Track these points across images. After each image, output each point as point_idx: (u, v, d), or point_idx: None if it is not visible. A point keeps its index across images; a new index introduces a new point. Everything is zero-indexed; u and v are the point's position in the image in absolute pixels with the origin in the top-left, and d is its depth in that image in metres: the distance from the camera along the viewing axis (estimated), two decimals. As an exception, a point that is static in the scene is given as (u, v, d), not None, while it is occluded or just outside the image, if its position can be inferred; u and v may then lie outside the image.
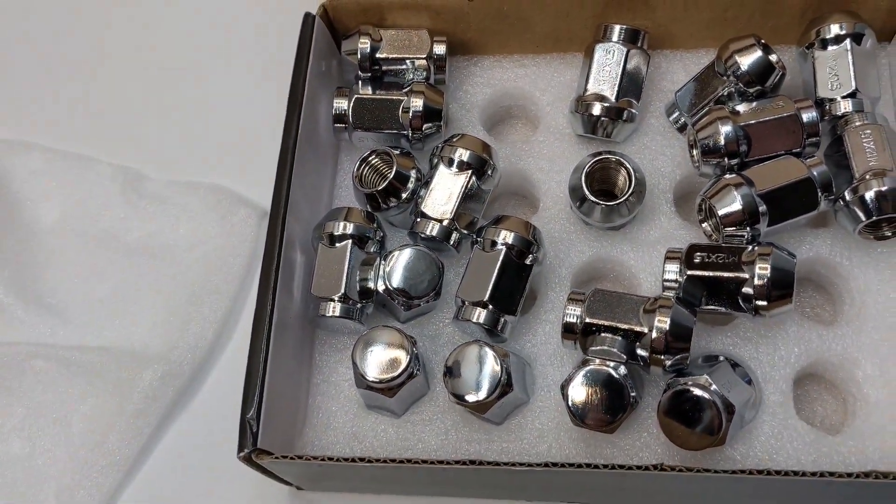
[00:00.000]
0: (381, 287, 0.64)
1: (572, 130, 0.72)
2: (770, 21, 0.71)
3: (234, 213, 0.79)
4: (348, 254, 0.63)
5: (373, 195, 0.67)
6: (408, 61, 0.72)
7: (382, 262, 0.65)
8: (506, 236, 0.62)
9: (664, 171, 0.69)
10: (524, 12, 0.72)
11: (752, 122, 0.64)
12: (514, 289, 0.62)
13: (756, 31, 0.69)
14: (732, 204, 0.61)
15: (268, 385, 0.59)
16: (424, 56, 0.72)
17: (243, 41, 0.88)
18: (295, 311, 0.66)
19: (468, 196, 0.66)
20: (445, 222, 0.65)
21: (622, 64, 0.68)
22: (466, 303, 0.62)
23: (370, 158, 0.69)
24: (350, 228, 0.64)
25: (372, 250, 0.66)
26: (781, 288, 0.58)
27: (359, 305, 0.64)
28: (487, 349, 0.59)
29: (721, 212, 0.61)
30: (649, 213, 0.68)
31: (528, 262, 0.63)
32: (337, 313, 0.64)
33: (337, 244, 0.65)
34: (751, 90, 0.66)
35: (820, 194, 0.62)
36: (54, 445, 0.71)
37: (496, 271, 0.62)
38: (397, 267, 0.64)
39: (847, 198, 0.61)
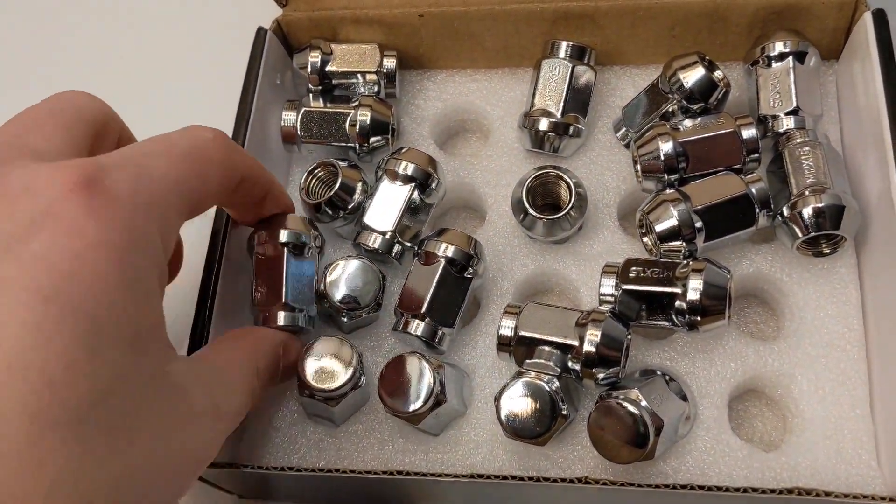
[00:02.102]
0: (323, 297, 0.65)
1: (521, 145, 0.72)
2: (717, 38, 0.71)
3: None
4: (285, 262, 0.63)
5: (318, 206, 0.67)
6: (358, 75, 0.73)
7: (325, 272, 0.66)
8: (445, 249, 0.63)
9: (610, 186, 0.69)
10: (475, 28, 0.73)
11: (693, 138, 0.64)
12: (452, 301, 0.63)
13: (703, 48, 0.70)
14: (669, 220, 0.61)
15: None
16: (374, 70, 0.73)
17: (200, 54, 0.89)
18: (239, 316, 0.66)
19: (411, 209, 0.66)
20: (388, 235, 0.66)
21: (568, 80, 0.69)
22: (405, 314, 0.63)
23: (316, 170, 0.69)
24: (284, 236, 0.64)
25: (307, 254, 0.65)
26: (714, 303, 0.58)
27: (304, 311, 0.64)
28: (422, 360, 0.60)
29: (658, 227, 0.61)
30: (593, 227, 0.68)
31: (467, 275, 0.63)
32: (281, 322, 0.64)
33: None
34: (694, 107, 0.66)
35: (758, 211, 0.62)
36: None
37: (434, 284, 0.62)
38: (340, 278, 0.65)
39: (785, 214, 0.61)
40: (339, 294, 0.64)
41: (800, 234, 0.61)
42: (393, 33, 0.74)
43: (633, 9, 0.70)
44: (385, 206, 0.66)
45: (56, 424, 0.36)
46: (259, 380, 0.56)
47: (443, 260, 0.63)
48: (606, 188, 0.69)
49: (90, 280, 0.38)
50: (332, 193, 0.67)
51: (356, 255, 0.66)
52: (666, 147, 0.64)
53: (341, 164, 0.68)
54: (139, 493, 0.40)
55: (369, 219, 0.66)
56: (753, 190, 0.62)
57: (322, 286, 0.64)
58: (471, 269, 0.63)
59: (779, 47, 0.67)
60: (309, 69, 0.73)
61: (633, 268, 0.61)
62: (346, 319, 0.65)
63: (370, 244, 0.66)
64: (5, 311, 0.36)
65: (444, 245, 0.63)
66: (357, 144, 0.70)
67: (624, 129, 0.71)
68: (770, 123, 0.66)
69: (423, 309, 0.61)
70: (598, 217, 0.68)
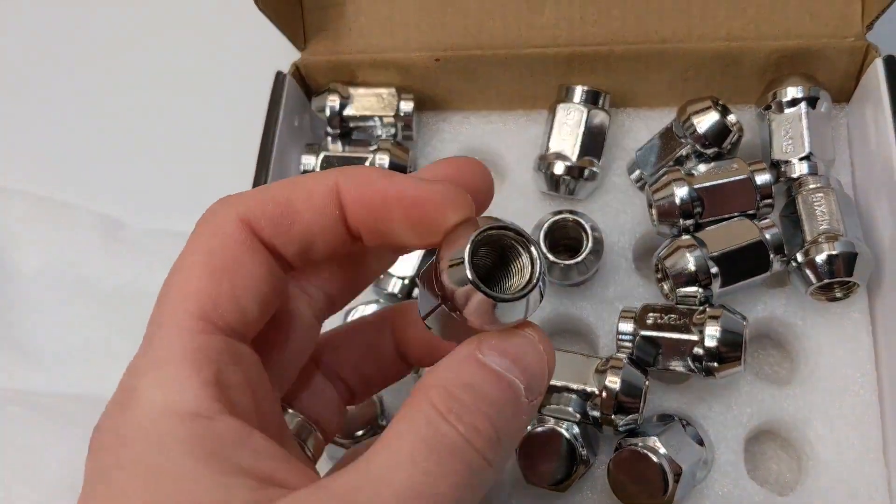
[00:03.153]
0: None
1: (536, 187, 0.73)
2: (730, 81, 0.72)
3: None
4: None
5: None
6: (375, 118, 0.74)
7: (346, 317, 0.67)
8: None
9: (625, 228, 0.70)
10: (490, 71, 0.74)
11: (707, 184, 0.65)
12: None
13: (716, 91, 0.71)
14: (685, 266, 0.62)
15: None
16: (392, 114, 0.74)
17: (221, 95, 0.90)
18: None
19: (430, 257, 0.67)
20: (407, 280, 0.67)
21: (582, 124, 0.70)
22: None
23: (336, 215, 0.70)
24: None
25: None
26: (730, 350, 0.59)
27: None
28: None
29: (674, 273, 0.62)
30: (610, 271, 0.69)
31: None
32: None
33: None
34: (708, 151, 0.67)
35: (772, 257, 0.63)
36: (30, 491, 0.73)
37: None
38: None
39: (799, 260, 0.62)
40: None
41: (814, 281, 0.62)
42: (409, 76, 0.75)
43: (646, 53, 0.71)
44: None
45: None
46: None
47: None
48: (622, 230, 0.70)
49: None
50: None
51: (374, 301, 0.67)
52: (681, 193, 0.65)
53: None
54: None
55: None
56: (768, 236, 0.63)
57: (343, 331, 0.66)
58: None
59: (791, 93, 0.68)
60: (328, 113, 0.74)
61: (651, 314, 0.62)
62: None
63: (389, 289, 0.67)
64: None
65: None
66: None
67: (638, 172, 0.72)
68: (783, 168, 0.67)
69: (444, 356, 0.62)
70: (614, 259, 0.69)
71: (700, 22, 0.70)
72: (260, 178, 0.71)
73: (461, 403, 0.35)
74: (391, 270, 0.67)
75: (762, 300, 0.66)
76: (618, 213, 0.71)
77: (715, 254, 0.63)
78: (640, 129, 0.74)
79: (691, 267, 0.62)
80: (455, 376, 0.36)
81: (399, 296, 0.67)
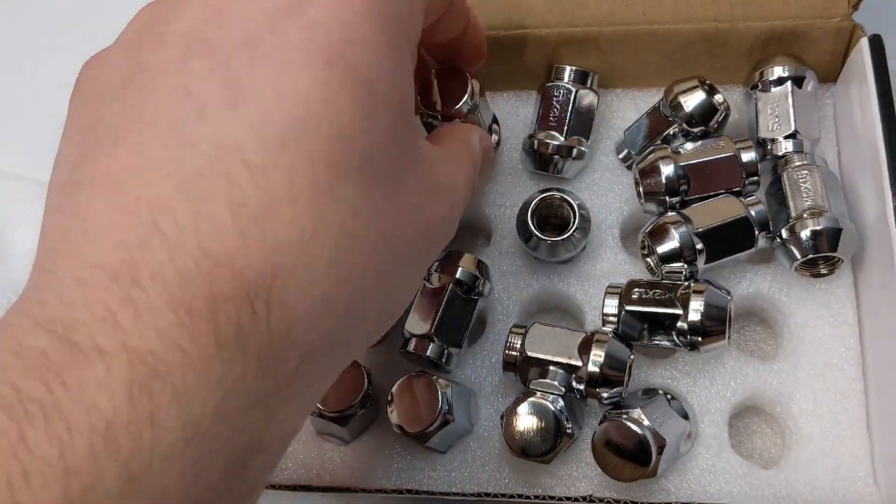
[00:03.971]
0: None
1: (525, 167, 0.74)
2: (717, 62, 0.73)
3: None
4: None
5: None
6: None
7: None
8: (454, 272, 0.64)
9: (612, 207, 0.71)
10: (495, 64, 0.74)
11: (693, 161, 0.66)
12: (459, 322, 0.64)
13: (703, 72, 0.71)
14: (670, 242, 0.63)
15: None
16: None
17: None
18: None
19: None
20: (396, 255, 0.67)
21: (571, 104, 0.71)
22: (413, 336, 0.64)
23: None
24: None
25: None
26: (714, 324, 0.59)
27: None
28: (430, 380, 0.61)
29: (660, 249, 0.63)
30: (596, 248, 0.69)
31: (473, 295, 0.65)
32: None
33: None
34: (695, 130, 0.68)
35: (757, 233, 0.63)
36: None
37: (442, 305, 0.63)
38: None
39: (784, 236, 0.63)
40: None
41: (798, 256, 0.62)
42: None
43: (635, 34, 0.71)
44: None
45: (348, 172, 0.38)
46: (475, 170, 0.57)
47: (450, 282, 0.64)
48: (609, 209, 0.71)
49: (362, 46, 0.40)
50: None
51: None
52: (667, 170, 0.65)
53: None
54: (398, 252, 0.42)
55: None
56: (753, 212, 0.63)
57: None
58: (477, 290, 0.65)
59: (777, 72, 0.68)
60: None
61: (636, 289, 0.63)
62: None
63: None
64: (297, 69, 0.38)
65: (451, 267, 0.65)
66: None
67: (626, 151, 0.72)
68: (769, 146, 0.68)
69: (431, 330, 0.63)
70: (601, 237, 0.70)
71: (687, 4, 0.71)
72: None
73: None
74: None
75: (747, 277, 0.66)
76: (605, 191, 0.72)
77: (700, 229, 0.63)
78: (628, 108, 0.74)
79: (676, 243, 0.63)
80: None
81: (387, 272, 0.67)
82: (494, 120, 0.73)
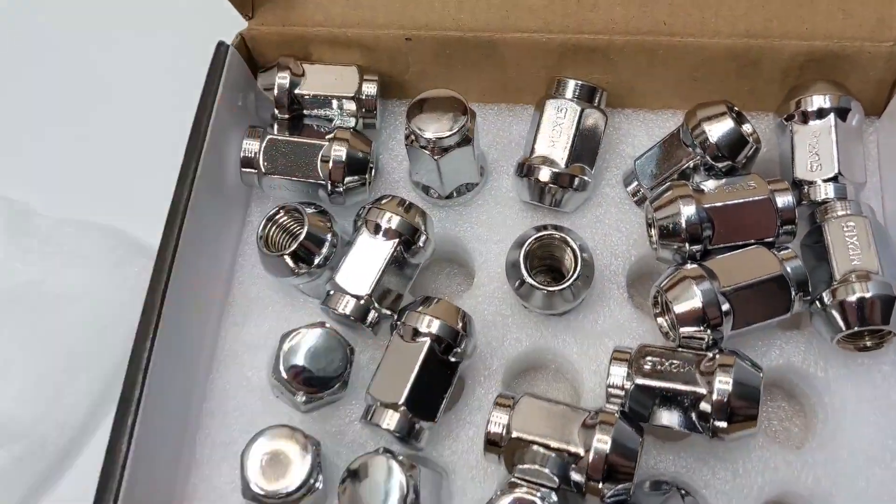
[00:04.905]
0: (277, 371, 0.55)
1: (517, 195, 0.62)
2: (746, 84, 0.62)
3: (129, 263, 0.69)
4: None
5: (279, 259, 0.57)
6: (333, 101, 0.63)
7: (282, 340, 0.56)
8: (431, 325, 0.53)
9: (618, 250, 0.60)
10: (470, 56, 0.63)
11: (719, 203, 0.55)
12: (435, 391, 0.53)
13: (729, 95, 0.61)
14: (691, 301, 0.52)
15: (128, 481, 0.50)
16: (351, 95, 0.62)
17: (151, 68, 0.78)
18: (178, 388, 0.56)
19: (393, 269, 0.57)
20: (363, 299, 0.56)
21: (575, 125, 0.60)
22: (378, 403, 0.53)
23: (277, 216, 0.59)
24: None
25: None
26: (744, 408, 0.49)
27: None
28: (394, 463, 0.50)
29: (678, 309, 0.52)
30: (598, 299, 0.59)
31: (454, 357, 0.54)
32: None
33: None
34: (720, 164, 0.57)
35: (794, 294, 0.53)
36: None
37: (416, 369, 0.52)
38: (299, 348, 0.55)
39: (825, 300, 0.53)
40: (295, 369, 0.54)
41: (842, 327, 0.53)
42: (375, 57, 0.64)
43: (651, 46, 0.61)
44: (362, 265, 0.56)
45: None
46: None
47: (427, 339, 0.53)
48: (614, 252, 0.60)
49: None
50: (296, 245, 0.57)
51: (320, 323, 0.56)
52: (688, 212, 0.55)
53: (308, 209, 0.58)
54: None
55: (342, 278, 0.56)
56: (789, 269, 0.53)
57: (277, 358, 0.55)
58: (459, 351, 0.54)
59: (818, 102, 0.58)
60: (276, 91, 0.63)
61: (649, 358, 0.52)
62: (302, 398, 0.55)
63: (340, 308, 0.56)
64: None
65: (428, 319, 0.53)
66: (329, 183, 0.60)
67: (636, 184, 0.62)
68: (806, 189, 0.58)
69: (402, 399, 0.52)
70: (605, 286, 0.59)
71: (716, 14, 0.60)
72: (189, 164, 0.59)
73: None
74: (344, 285, 0.56)
75: (776, 344, 0.56)
76: (611, 230, 0.61)
77: (727, 288, 0.53)
78: (639, 133, 0.64)
79: (699, 303, 0.52)
80: None
81: (351, 317, 0.56)
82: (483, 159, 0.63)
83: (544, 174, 0.60)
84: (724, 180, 0.57)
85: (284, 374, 0.54)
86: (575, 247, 0.56)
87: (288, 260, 0.57)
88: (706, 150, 0.57)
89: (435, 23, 0.62)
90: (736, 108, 0.59)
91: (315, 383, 0.54)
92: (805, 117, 0.59)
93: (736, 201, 0.55)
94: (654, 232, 0.57)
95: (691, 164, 0.59)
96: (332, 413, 0.57)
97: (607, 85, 0.62)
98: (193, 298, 0.59)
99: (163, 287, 0.56)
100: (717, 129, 0.57)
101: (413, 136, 0.59)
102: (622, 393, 0.52)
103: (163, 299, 0.55)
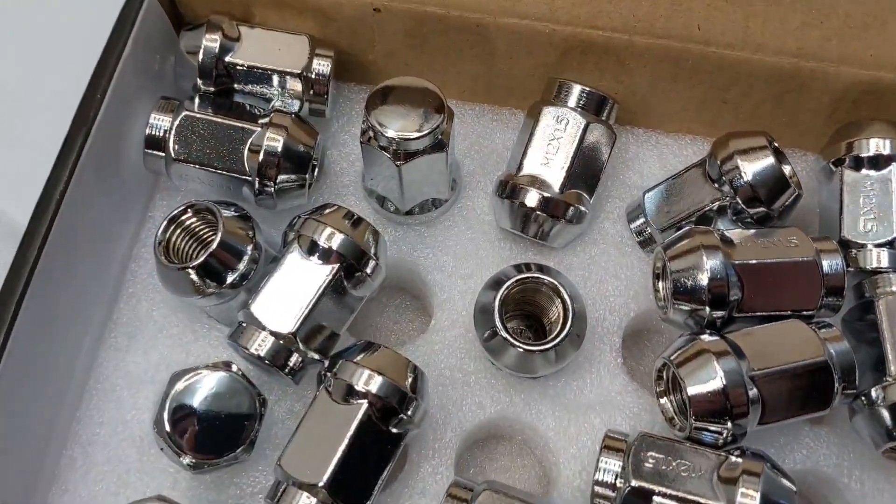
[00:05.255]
0: (162, 423, 0.41)
1: (494, 219, 0.50)
2: (784, 114, 0.51)
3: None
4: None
5: (181, 272, 0.43)
6: (273, 76, 0.50)
7: (173, 381, 0.42)
8: (370, 382, 0.40)
9: (614, 302, 0.49)
10: (452, 40, 0.51)
11: (752, 261, 0.45)
12: (369, 472, 0.42)
13: (762, 125, 0.52)
14: (711, 382, 0.41)
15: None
16: (298, 71, 0.49)
17: (49, 17, 0.63)
18: (31, 427, 0.43)
19: (328, 302, 0.45)
20: (283, 338, 0.42)
21: (577, 141, 0.48)
22: (290, 481, 0.40)
23: (184, 217, 0.46)
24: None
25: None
26: (773, 535, 0.37)
27: None
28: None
29: (693, 391, 0.41)
30: (585, 362, 0.48)
31: (395, 428, 0.41)
32: None
33: None
34: (751, 210, 0.46)
35: (837, 386, 0.42)
36: None
37: (346, 441, 0.40)
38: (193, 396, 0.42)
39: (874, 398, 0.43)
40: (185, 423, 0.41)
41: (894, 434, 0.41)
42: (333, 28, 0.52)
43: (678, 54, 0.49)
44: (288, 293, 0.44)
45: None
46: None
47: (364, 402, 0.40)
48: (610, 304, 0.49)
49: None
50: (205, 256, 0.43)
51: (225, 364, 0.43)
52: (714, 267, 0.44)
53: (225, 211, 0.45)
54: None
55: (260, 308, 0.44)
56: (833, 353, 0.42)
57: (162, 404, 0.41)
58: (405, 419, 0.41)
59: (876, 146, 0.48)
60: (202, 56, 0.50)
61: (652, 454, 0.41)
62: (189, 461, 0.41)
63: (253, 347, 0.42)
64: None
65: (367, 374, 0.41)
66: (257, 180, 0.47)
67: (642, 221, 0.51)
68: (853, 253, 0.47)
69: (323, 479, 0.39)
70: (594, 346, 0.48)
71: (763, 25, 0.49)
72: (75, 137, 0.46)
73: None
74: (262, 318, 0.43)
75: (803, 442, 0.46)
76: (606, 276, 0.50)
77: (758, 372, 0.42)
78: (650, 158, 0.53)
79: (720, 385, 0.41)
80: None
81: (267, 360, 0.42)
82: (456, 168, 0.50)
83: (532, 198, 0.48)
84: (753, 230, 0.47)
85: (168, 427, 0.41)
86: (566, 297, 0.44)
87: (192, 274, 0.44)
88: (737, 191, 0.47)
89: (413, -7, 0.49)
90: (775, 143, 0.47)
91: (207, 445, 0.42)
92: (858, 164, 0.48)
93: (773, 260, 0.45)
94: (664, 286, 0.46)
95: (716, 205, 0.47)
96: (230, 479, 0.44)
97: (618, 96, 0.51)
98: (63, 310, 0.46)
99: (20, 290, 0.43)
100: (755, 167, 0.47)
101: (371, 133, 0.46)
102: (612, 494, 0.40)
103: (18, 305, 0.42)
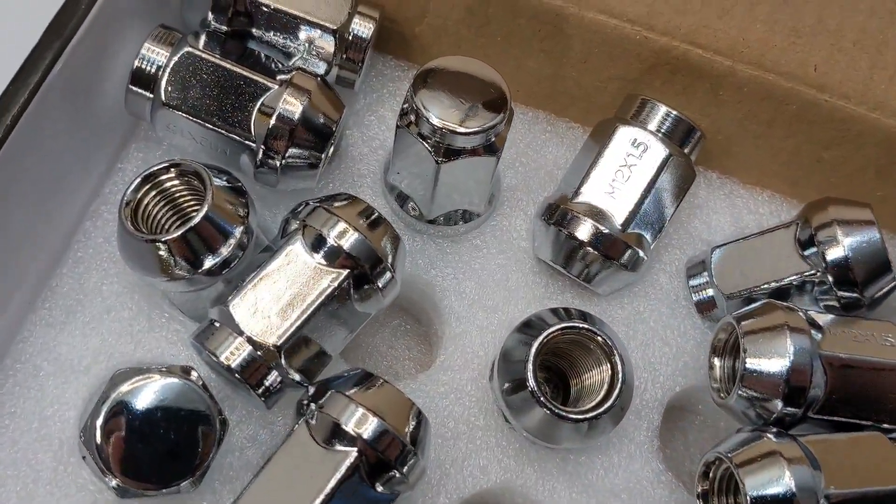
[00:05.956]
0: (91, 432, 0.32)
1: (532, 246, 0.42)
2: (883, 189, 0.44)
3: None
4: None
5: (150, 246, 0.34)
6: (303, 27, 0.42)
7: (117, 383, 0.33)
8: (364, 424, 0.32)
9: (659, 372, 0.42)
10: (520, 27, 0.43)
11: (843, 354, 0.38)
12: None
13: (861, 194, 0.44)
14: (778, 492, 0.34)
15: None
16: (334, 27, 0.41)
17: None
18: None
19: (327, 314, 0.37)
20: (264, 350, 0.34)
21: (654, 172, 0.40)
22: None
23: (164, 178, 0.37)
24: None
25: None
26: None
27: None
28: None
29: (752, 491, 0.33)
30: (616, 437, 0.40)
31: (384, 487, 0.32)
32: None
33: None
34: (841, 292, 0.39)
35: (923, 524, 0.34)
36: None
37: (321, 498, 0.30)
38: (137, 403, 0.33)
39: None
40: (120, 435, 0.33)
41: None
42: None
43: (784, 93, 0.43)
44: (278, 295, 0.35)
45: None
46: None
47: (352, 450, 0.31)
48: (654, 373, 0.42)
49: None
50: (183, 230, 0.35)
51: (184, 369, 0.34)
52: (799, 353, 0.36)
53: (216, 179, 0.36)
54: None
55: (240, 308, 0.36)
56: (920, 483, 0.35)
57: (97, 408, 0.32)
58: (398, 475, 0.32)
59: None
60: None
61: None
62: (115, 484, 0.32)
63: (223, 355, 0.34)
64: None
65: (361, 414, 0.32)
66: (262, 149, 0.40)
67: (705, 280, 0.43)
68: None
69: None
70: (629, 420, 0.41)
71: (891, 81, 0.44)
72: (41, 55, 0.37)
73: None
74: (241, 321, 0.34)
75: None
76: (653, 339, 0.43)
77: (835, 492, 0.34)
78: (722, 209, 0.46)
79: (786, 490, 0.33)
80: None
81: (239, 374, 0.34)
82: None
83: (585, 231, 0.40)
84: (841, 318, 0.39)
85: (99, 437, 0.32)
86: (618, 360, 0.36)
87: (162, 250, 0.36)
88: (829, 268, 0.39)
89: (487, -36, 0.41)
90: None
91: (144, 469, 0.33)
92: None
93: (866, 357, 0.37)
94: (726, 364, 0.40)
95: (798, 280, 0.40)
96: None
97: (706, 128, 0.43)
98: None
99: None
100: (855, 241, 0.40)
101: (413, 117, 0.37)
102: None
103: None
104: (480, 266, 0.42)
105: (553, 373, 0.42)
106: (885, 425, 0.40)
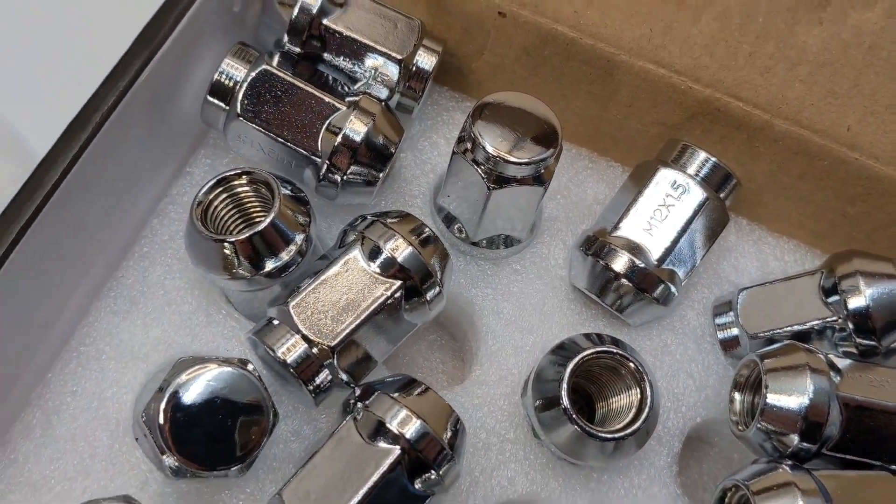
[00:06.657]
0: (154, 413, 0.34)
1: (568, 275, 0.44)
2: (905, 247, 0.46)
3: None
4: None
5: (217, 245, 0.37)
6: (371, 55, 0.44)
7: (178, 371, 0.35)
8: (407, 425, 0.34)
9: (683, 402, 0.44)
10: (572, 71, 0.45)
11: (859, 397, 0.39)
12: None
13: (886, 251, 0.45)
14: (791, 523, 0.35)
15: None
16: (400, 57, 0.43)
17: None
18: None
19: (379, 322, 0.38)
20: (319, 348, 0.36)
21: (691, 214, 0.43)
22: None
23: (236, 183, 0.40)
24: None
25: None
26: None
27: None
28: None
29: None
30: (638, 461, 0.41)
31: (422, 485, 0.34)
32: None
33: None
34: (859, 339, 0.41)
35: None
36: None
37: (366, 489, 0.33)
38: (195, 390, 0.35)
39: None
40: (179, 417, 0.35)
41: None
42: (444, 22, 0.47)
43: (817, 150, 0.45)
44: (335, 299, 0.37)
45: None
46: None
47: (395, 448, 0.33)
48: (677, 403, 0.43)
49: None
50: (250, 233, 0.37)
51: (240, 361, 0.36)
52: (818, 392, 0.38)
53: (283, 188, 0.38)
54: None
55: (300, 308, 0.38)
56: (931, 526, 0.36)
57: (161, 391, 0.34)
58: (435, 475, 0.34)
59: None
60: (297, 10, 0.44)
61: None
62: (172, 463, 0.34)
63: (279, 350, 0.36)
64: None
65: (405, 415, 0.35)
66: (326, 165, 0.42)
67: (730, 319, 0.45)
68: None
69: (331, 533, 0.32)
70: (650, 446, 0.42)
71: None
72: (130, 63, 0.40)
73: None
74: (299, 321, 0.36)
75: None
76: (678, 371, 0.44)
77: None
78: (749, 254, 0.48)
79: (802, 531, 0.35)
80: None
81: (291, 370, 0.36)
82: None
83: (621, 263, 0.42)
84: (859, 363, 0.41)
85: (162, 418, 0.34)
86: (647, 386, 0.38)
87: (228, 249, 0.37)
88: (850, 315, 0.41)
89: (548, 6, 0.44)
90: (895, 275, 0.42)
91: (198, 451, 0.35)
92: None
93: (881, 401, 0.39)
94: (746, 399, 0.41)
95: (819, 325, 0.42)
96: (210, 496, 0.38)
97: (742, 176, 0.45)
98: (64, 249, 0.39)
99: (25, 220, 0.35)
100: (876, 293, 0.41)
101: (469, 144, 0.40)
102: None
103: (22, 233, 0.35)
104: (519, 289, 0.45)
105: (579, 395, 0.44)
106: (894, 467, 0.42)
